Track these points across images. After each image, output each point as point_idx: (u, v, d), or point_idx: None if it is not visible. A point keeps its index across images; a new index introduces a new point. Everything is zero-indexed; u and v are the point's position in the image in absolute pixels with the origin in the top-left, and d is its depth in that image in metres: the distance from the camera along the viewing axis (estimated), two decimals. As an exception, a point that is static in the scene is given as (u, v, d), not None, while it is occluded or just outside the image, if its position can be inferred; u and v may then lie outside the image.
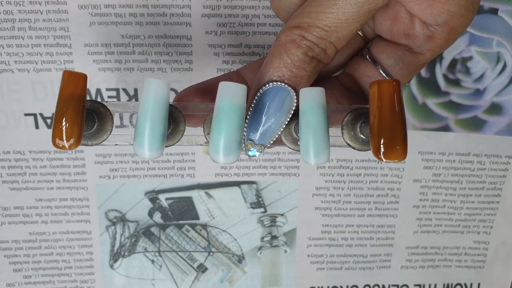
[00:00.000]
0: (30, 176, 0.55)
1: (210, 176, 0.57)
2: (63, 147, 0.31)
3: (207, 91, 0.38)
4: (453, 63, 0.54)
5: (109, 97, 0.53)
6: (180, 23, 0.50)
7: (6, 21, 0.49)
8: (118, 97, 0.53)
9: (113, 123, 0.35)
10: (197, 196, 0.58)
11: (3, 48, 0.50)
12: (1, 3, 0.48)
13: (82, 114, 0.32)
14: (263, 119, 0.33)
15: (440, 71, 0.54)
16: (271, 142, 0.34)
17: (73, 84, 0.32)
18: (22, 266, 0.58)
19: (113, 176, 0.56)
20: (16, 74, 0.51)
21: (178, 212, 0.58)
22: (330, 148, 0.33)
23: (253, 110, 0.34)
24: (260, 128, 0.34)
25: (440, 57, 0.54)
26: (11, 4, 0.49)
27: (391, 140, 0.31)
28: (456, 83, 0.54)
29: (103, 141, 0.35)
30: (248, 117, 0.34)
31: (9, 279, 0.59)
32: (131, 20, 0.50)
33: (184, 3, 0.50)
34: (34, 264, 0.58)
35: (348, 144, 0.35)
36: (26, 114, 0.53)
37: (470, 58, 0.54)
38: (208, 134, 0.34)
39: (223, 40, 0.51)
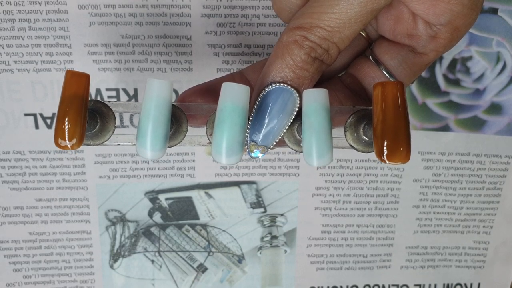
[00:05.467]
0: (30, 176, 0.55)
1: (210, 176, 0.57)
2: (65, 147, 0.31)
3: (209, 91, 0.38)
4: (453, 63, 0.54)
5: (109, 97, 0.53)
6: (180, 23, 0.50)
7: (6, 21, 0.49)
8: (118, 97, 0.53)
9: (115, 123, 0.35)
10: (197, 196, 0.57)
11: (3, 48, 0.50)
12: (1, 3, 0.48)
13: (84, 114, 0.32)
14: (266, 120, 0.33)
15: (440, 71, 0.54)
16: (274, 143, 0.34)
17: (76, 84, 0.32)
18: (22, 266, 0.58)
19: (113, 176, 0.56)
20: (16, 74, 0.51)
21: (178, 212, 0.58)
22: (333, 149, 0.33)
23: (255, 112, 0.34)
24: (263, 130, 0.34)
25: (440, 57, 0.54)
26: (11, 4, 0.48)
27: (394, 142, 0.31)
28: (456, 83, 0.55)
29: (105, 141, 0.35)
30: (251, 118, 0.34)
31: (9, 279, 0.59)
32: (131, 20, 0.50)
33: (184, 3, 0.50)
34: (34, 264, 0.58)
35: (351, 146, 0.35)
36: (26, 114, 0.52)
37: (470, 58, 0.54)
38: (211, 134, 0.34)
39: (223, 40, 0.51)
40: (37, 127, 0.53)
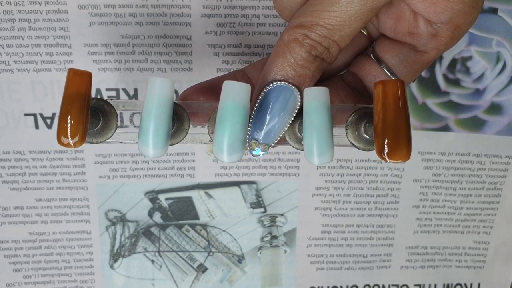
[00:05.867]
0: (30, 176, 0.55)
1: (210, 176, 0.57)
2: (68, 145, 0.31)
3: (211, 89, 0.38)
4: (453, 63, 0.54)
5: (109, 97, 0.53)
6: (180, 23, 0.50)
7: (6, 21, 0.49)
8: (118, 97, 0.53)
9: (118, 121, 0.34)
10: (197, 196, 0.57)
11: (3, 48, 0.50)
12: (1, 3, 0.48)
13: (87, 112, 0.32)
14: (267, 118, 0.33)
15: (440, 71, 0.54)
16: (275, 141, 0.34)
17: (78, 82, 0.32)
18: (22, 266, 0.58)
19: (113, 176, 0.56)
20: (16, 74, 0.51)
21: (178, 212, 0.58)
22: (334, 148, 0.33)
23: (257, 110, 0.34)
24: (264, 128, 0.34)
25: (440, 57, 0.54)
26: (11, 4, 0.48)
27: (395, 140, 0.31)
28: (456, 83, 0.55)
29: (107, 139, 0.35)
30: (252, 116, 0.34)
31: (9, 279, 0.59)
32: (131, 20, 0.50)
33: (184, 3, 0.50)
34: (34, 264, 0.58)
35: (352, 144, 0.35)
36: (26, 114, 0.52)
37: (470, 58, 0.54)
38: (212, 132, 0.34)
39: (223, 40, 0.51)
40: (37, 127, 0.53)
